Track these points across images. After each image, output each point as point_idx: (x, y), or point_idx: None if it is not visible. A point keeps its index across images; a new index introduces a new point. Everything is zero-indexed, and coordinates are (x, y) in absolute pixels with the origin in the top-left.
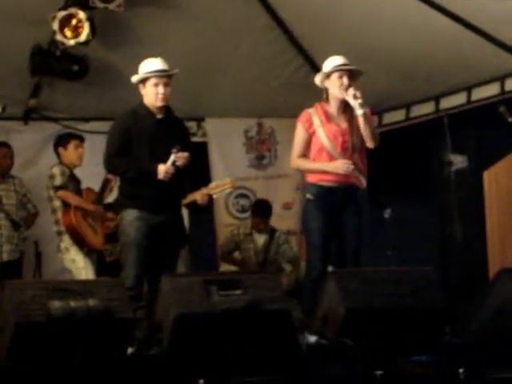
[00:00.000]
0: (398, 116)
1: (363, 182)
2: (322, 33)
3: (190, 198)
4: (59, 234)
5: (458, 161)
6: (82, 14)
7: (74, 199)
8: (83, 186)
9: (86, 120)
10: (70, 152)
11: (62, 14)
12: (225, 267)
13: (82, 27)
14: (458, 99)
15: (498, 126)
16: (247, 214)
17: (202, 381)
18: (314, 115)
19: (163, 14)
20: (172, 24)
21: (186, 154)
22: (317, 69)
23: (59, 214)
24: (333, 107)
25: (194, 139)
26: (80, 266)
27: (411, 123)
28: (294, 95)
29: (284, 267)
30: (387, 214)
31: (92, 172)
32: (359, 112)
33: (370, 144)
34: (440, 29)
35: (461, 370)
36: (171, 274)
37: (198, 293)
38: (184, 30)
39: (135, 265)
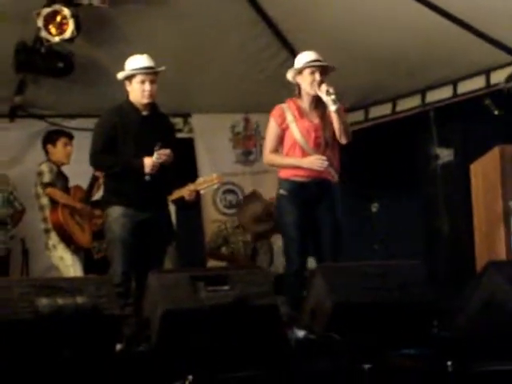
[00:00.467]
0: (384, 110)
1: (335, 176)
2: (307, 27)
3: (178, 194)
4: (47, 231)
5: (445, 154)
6: (66, 11)
7: (61, 197)
8: (70, 183)
9: (72, 117)
10: (59, 149)
11: (47, 10)
12: (212, 263)
13: (66, 24)
14: (444, 93)
15: (484, 119)
16: (235, 210)
17: (190, 377)
18: (286, 110)
19: (148, 10)
20: (157, 20)
21: (167, 151)
22: None
23: (47, 212)
24: (305, 103)
25: (181, 135)
26: (68, 264)
27: (397, 117)
28: (280, 90)
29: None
30: (374, 207)
31: (78, 169)
32: (332, 108)
33: (342, 140)
34: (425, 22)
35: (449, 363)
36: (158, 271)
37: (186, 289)
38: (169, 26)
39: (122, 262)
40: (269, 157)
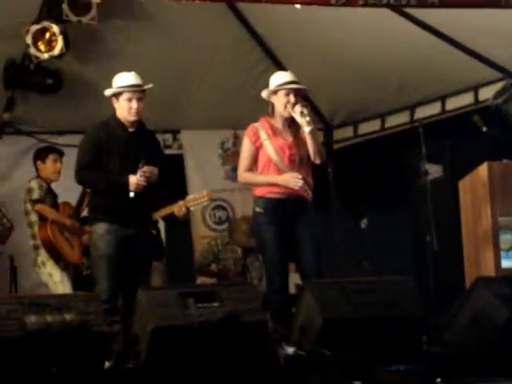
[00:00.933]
0: (373, 126)
1: (310, 194)
2: (297, 45)
3: (167, 210)
4: (36, 248)
5: (434, 170)
6: (55, 28)
7: (51, 213)
8: (59, 199)
9: (61, 133)
10: (48, 166)
11: (36, 27)
12: (202, 280)
13: (55, 41)
14: (433, 109)
15: (473, 136)
16: (224, 226)
17: None
18: (260, 129)
19: (137, 26)
20: (147, 37)
21: (151, 169)
22: None
23: (36, 228)
24: (278, 122)
25: (170, 151)
26: (56, 280)
27: (386, 133)
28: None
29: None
30: (364, 223)
31: (67, 185)
32: (307, 129)
33: (317, 160)
34: (414, 39)
35: (438, 379)
36: (148, 287)
37: (175, 305)
38: (158, 43)
39: (108, 278)
40: (243, 175)
